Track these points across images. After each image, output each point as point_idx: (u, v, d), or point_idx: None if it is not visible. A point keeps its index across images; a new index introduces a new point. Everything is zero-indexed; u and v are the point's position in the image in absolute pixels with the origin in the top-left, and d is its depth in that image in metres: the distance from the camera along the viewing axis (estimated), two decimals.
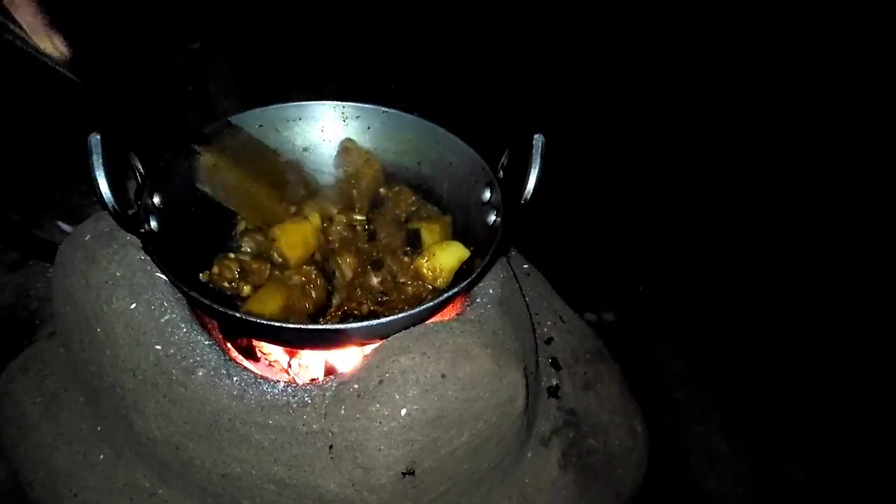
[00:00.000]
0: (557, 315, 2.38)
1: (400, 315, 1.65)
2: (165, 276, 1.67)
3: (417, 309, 1.67)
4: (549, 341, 2.28)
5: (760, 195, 2.99)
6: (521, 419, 1.82)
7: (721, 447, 2.19)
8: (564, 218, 2.96)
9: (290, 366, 2.06)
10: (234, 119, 2.10)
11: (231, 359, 1.78)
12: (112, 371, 1.82)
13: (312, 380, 1.99)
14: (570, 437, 2.05)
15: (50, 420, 2.01)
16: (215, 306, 1.60)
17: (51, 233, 2.65)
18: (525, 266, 2.51)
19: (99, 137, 1.66)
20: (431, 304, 1.69)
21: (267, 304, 1.80)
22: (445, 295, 1.69)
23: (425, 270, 1.91)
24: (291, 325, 1.62)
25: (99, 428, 1.98)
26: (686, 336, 2.52)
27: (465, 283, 1.71)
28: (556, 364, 2.21)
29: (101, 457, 1.94)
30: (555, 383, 2.16)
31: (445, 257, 1.91)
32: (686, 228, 2.91)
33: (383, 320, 1.64)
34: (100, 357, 1.84)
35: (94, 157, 1.65)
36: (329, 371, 2.04)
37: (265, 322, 1.60)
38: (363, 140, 2.22)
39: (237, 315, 1.60)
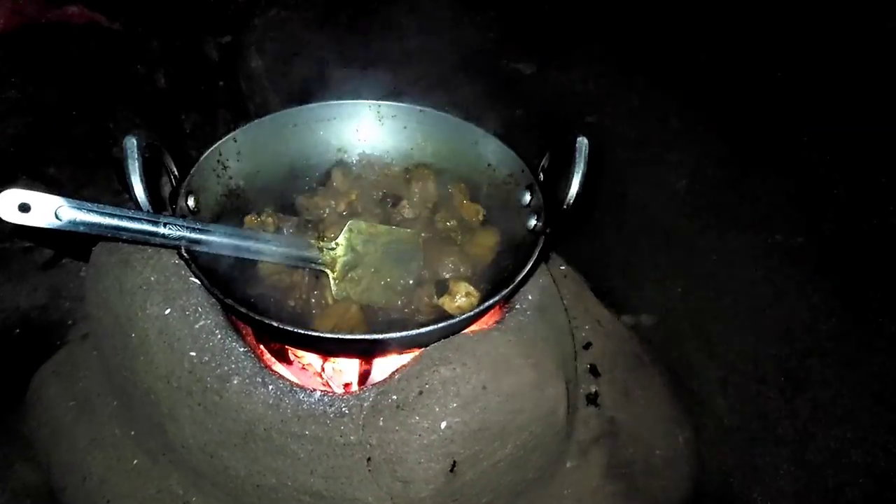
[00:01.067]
0: (595, 319, 2.32)
1: (438, 325, 1.61)
2: (200, 282, 1.64)
3: (456, 319, 1.62)
4: (587, 346, 2.22)
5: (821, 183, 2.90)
6: (563, 430, 1.78)
7: (765, 459, 2.13)
8: (599, 215, 2.89)
9: (323, 369, 2.02)
10: (268, 119, 2.06)
11: (266, 366, 1.74)
12: (146, 377, 1.79)
13: (346, 385, 1.96)
14: (611, 447, 2.00)
15: (83, 424, 1.99)
16: (251, 314, 1.57)
17: None
18: (562, 267, 2.45)
19: (135, 140, 1.63)
20: (470, 313, 1.64)
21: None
22: (484, 305, 1.64)
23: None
24: (328, 335, 1.57)
25: (133, 433, 1.95)
26: (726, 341, 2.45)
27: (505, 291, 1.66)
28: (594, 370, 2.16)
29: (136, 462, 1.92)
30: (594, 390, 2.11)
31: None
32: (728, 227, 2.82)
33: (422, 330, 1.60)
34: (133, 363, 1.81)
35: (130, 161, 1.63)
36: (363, 375, 2.00)
37: (302, 332, 1.56)
38: (399, 140, 2.18)
39: (274, 324, 1.56)
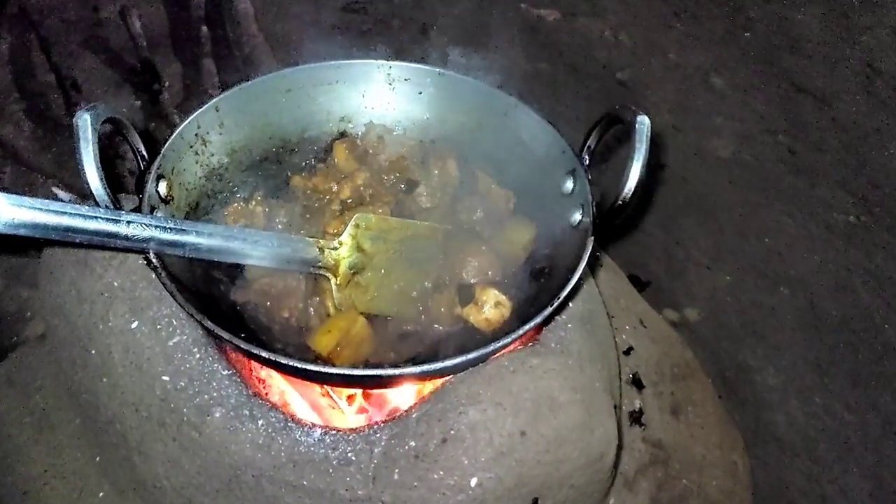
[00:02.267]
0: (637, 317, 2.01)
1: (468, 357, 1.29)
2: (173, 296, 1.31)
3: (488, 348, 1.30)
4: (628, 351, 1.92)
5: None
6: (610, 476, 1.48)
7: (835, 487, 1.84)
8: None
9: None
10: (257, 83, 1.71)
11: (255, 392, 1.44)
12: (110, 403, 1.49)
13: (361, 410, 1.65)
14: (660, 477, 1.71)
15: (40, 446, 1.70)
16: (236, 342, 1.25)
17: None
18: (597, 254, 2.13)
19: (88, 117, 1.30)
20: (506, 340, 1.31)
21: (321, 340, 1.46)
22: (523, 329, 1.31)
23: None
24: (335, 371, 1.26)
25: (98, 458, 1.66)
26: (783, 341, 2.14)
27: (548, 311, 1.34)
28: (638, 382, 1.86)
29: (101, 495, 1.63)
30: (638, 407, 1.82)
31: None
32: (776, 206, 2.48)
33: (446, 364, 1.28)
34: (95, 385, 1.51)
35: (83, 143, 1.32)
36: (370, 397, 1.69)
37: (297, 365, 1.25)
38: (413, 108, 1.84)
39: (263, 355, 1.25)
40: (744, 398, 2.02)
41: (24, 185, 2.34)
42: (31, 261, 2.14)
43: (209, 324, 1.27)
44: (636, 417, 1.79)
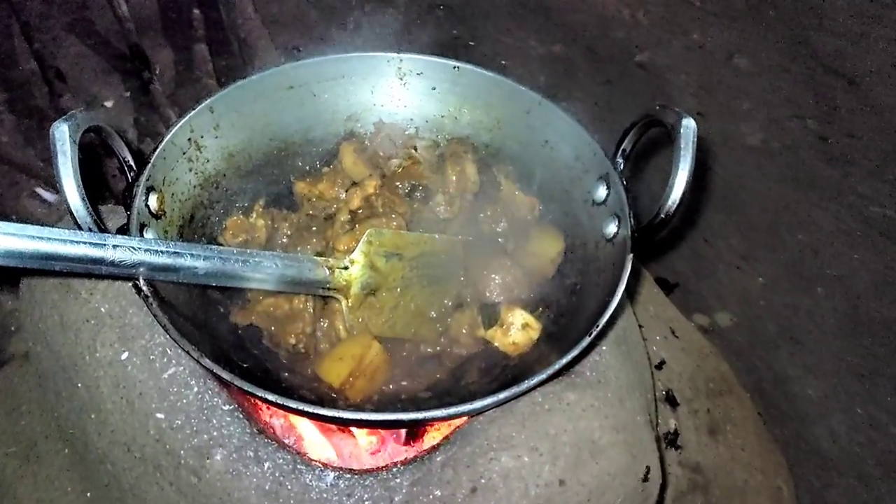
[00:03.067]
0: (668, 326, 1.87)
1: (497, 397, 1.14)
2: (165, 330, 1.16)
3: (521, 387, 1.16)
4: (660, 365, 1.78)
5: None
6: None
7: None
8: (660, 183, 2.40)
9: None
10: (257, 79, 1.55)
11: (261, 428, 1.30)
12: (99, 441, 1.36)
13: (373, 468, 1.50)
14: None
15: (27, 479, 1.57)
16: (243, 385, 1.11)
17: (29, 205, 2.13)
18: (637, 272, 1.98)
19: (66, 128, 1.16)
20: (542, 377, 1.16)
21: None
22: (558, 364, 1.17)
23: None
24: (351, 416, 1.12)
25: (88, 494, 1.53)
26: (823, 347, 2.00)
27: (586, 342, 1.19)
28: (672, 399, 1.72)
29: None
30: (673, 427, 1.68)
31: None
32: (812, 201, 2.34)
33: (475, 405, 1.14)
34: (82, 420, 1.37)
35: (61, 157, 1.18)
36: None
37: (314, 410, 1.11)
38: (427, 104, 1.68)
39: (273, 400, 1.11)
40: (783, 412, 1.88)
41: (7, 185, 2.19)
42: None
43: (207, 362, 1.13)
44: (671, 440, 1.66)
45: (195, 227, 1.47)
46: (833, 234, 2.24)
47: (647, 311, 1.88)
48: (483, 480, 1.16)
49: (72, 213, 1.18)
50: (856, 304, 2.08)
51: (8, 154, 2.24)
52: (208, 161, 1.51)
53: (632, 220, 1.34)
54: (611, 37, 2.84)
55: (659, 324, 1.87)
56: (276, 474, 1.24)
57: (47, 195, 2.16)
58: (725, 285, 2.18)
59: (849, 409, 1.88)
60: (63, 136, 1.15)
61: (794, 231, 2.25)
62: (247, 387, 1.13)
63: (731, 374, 1.85)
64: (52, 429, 1.60)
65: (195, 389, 1.30)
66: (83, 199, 1.17)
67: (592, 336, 1.19)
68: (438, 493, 1.18)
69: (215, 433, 1.27)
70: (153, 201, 1.35)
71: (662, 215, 1.27)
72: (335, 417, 1.14)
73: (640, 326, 1.77)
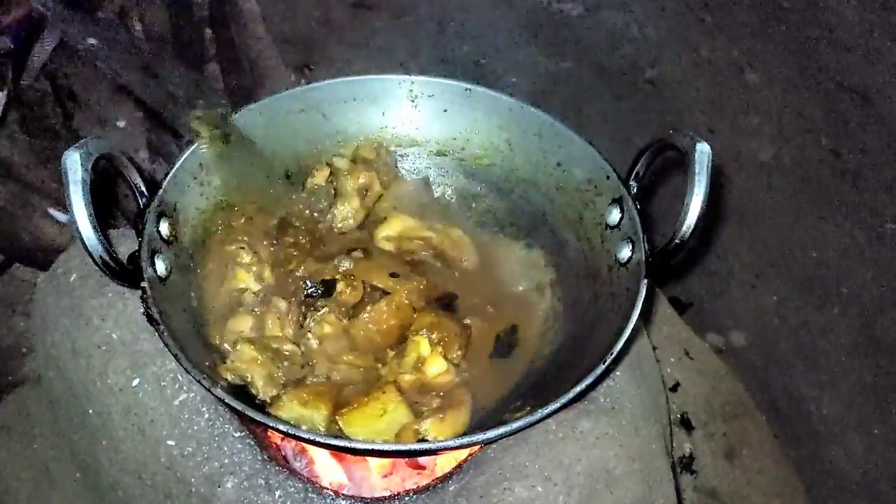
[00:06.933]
0: (682, 347, 1.86)
1: (510, 426, 1.13)
2: (178, 360, 1.16)
3: (534, 416, 1.14)
4: (675, 387, 1.77)
5: None
6: None
7: None
8: (670, 200, 2.39)
9: None
10: (269, 102, 1.56)
11: (272, 455, 1.29)
12: (110, 468, 1.35)
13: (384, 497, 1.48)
14: None
15: None
16: (255, 416, 1.11)
17: (41, 225, 2.14)
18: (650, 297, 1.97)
19: (78, 156, 1.16)
20: (556, 405, 1.15)
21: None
22: (572, 393, 1.15)
23: None
24: (363, 447, 1.12)
25: None
26: (838, 366, 1.98)
27: (602, 368, 1.18)
28: (687, 423, 1.71)
29: None
30: (688, 451, 1.67)
31: None
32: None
33: (489, 434, 1.13)
34: (94, 447, 1.37)
35: (72, 186, 1.17)
36: None
37: (326, 441, 1.11)
38: (438, 126, 1.68)
39: (284, 430, 1.11)
40: (798, 432, 1.86)
41: (19, 205, 2.19)
42: (26, 286, 1.99)
43: (219, 392, 1.13)
44: (686, 464, 1.64)
45: (206, 251, 1.47)
46: (845, 250, 2.22)
47: (660, 331, 1.87)
48: None
49: (82, 241, 1.18)
50: (870, 322, 2.05)
51: (20, 174, 2.25)
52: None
53: (646, 244, 1.34)
54: (620, 53, 2.83)
55: (673, 345, 1.85)
56: (287, 502, 1.23)
57: (60, 216, 2.16)
58: (739, 304, 2.16)
59: (864, 429, 1.86)
60: (75, 164, 1.16)
61: (805, 247, 2.23)
62: (259, 417, 1.13)
63: (747, 396, 1.84)
64: (65, 454, 1.60)
65: (206, 416, 1.30)
66: (94, 227, 1.17)
67: (607, 363, 1.18)
68: None
69: (226, 460, 1.26)
70: (164, 227, 1.35)
71: (677, 241, 1.26)
72: (347, 448, 1.13)
73: (654, 348, 1.76)
